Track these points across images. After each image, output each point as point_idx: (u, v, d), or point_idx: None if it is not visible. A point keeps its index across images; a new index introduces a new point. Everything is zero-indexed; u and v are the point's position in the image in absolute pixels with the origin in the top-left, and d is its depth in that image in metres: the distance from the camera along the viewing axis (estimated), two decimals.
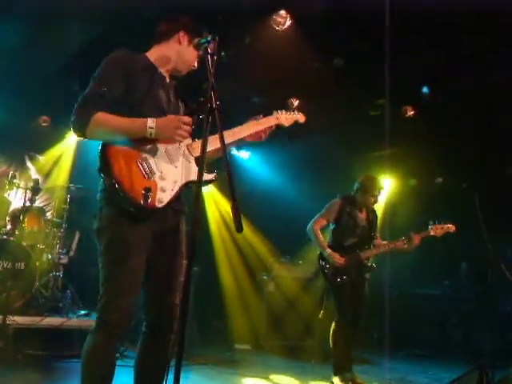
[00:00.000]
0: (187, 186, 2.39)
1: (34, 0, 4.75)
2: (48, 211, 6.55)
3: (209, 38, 2.25)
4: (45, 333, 4.59)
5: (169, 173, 2.33)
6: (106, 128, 2.21)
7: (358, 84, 6.21)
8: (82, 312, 5.49)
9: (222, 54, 5.32)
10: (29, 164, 7.40)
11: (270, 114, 2.80)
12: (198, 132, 2.25)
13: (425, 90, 6.15)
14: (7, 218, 5.57)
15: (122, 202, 2.17)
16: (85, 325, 4.80)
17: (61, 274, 5.78)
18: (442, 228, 4.56)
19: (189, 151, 2.44)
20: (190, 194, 2.30)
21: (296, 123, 2.95)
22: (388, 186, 8.13)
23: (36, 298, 5.33)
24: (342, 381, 4.42)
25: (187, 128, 2.30)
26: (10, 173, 5.77)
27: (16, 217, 5.49)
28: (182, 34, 2.52)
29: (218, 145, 2.24)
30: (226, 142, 2.15)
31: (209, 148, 2.19)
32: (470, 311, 7.32)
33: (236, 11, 4.92)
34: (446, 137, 6.70)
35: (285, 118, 2.86)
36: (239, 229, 1.90)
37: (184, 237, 2.46)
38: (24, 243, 5.33)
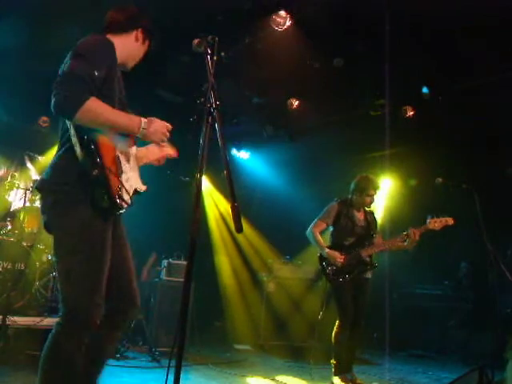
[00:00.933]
0: (135, 193, 2.39)
1: (34, 0, 4.76)
2: None
3: (209, 40, 2.25)
4: (45, 333, 4.57)
5: (130, 176, 2.35)
6: (102, 117, 2.08)
7: (358, 84, 6.22)
8: None
9: (222, 54, 5.32)
10: (29, 164, 7.41)
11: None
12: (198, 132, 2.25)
13: (425, 90, 6.15)
14: (7, 219, 5.57)
15: (103, 196, 2.11)
16: None
17: None
18: (441, 221, 4.51)
19: (136, 160, 2.48)
20: (190, 193, 2.30)
21: None
22: (388, 187, 8.13)
23: (36, 298, 5.33)
24: (342, 381, 4.42)
25: (168, 134, 2.34)
26: (10, 173, 5.78)
27: (16, 217, 5.50)
28: (140, 31, 2.50)
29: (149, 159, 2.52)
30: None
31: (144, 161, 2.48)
32: (469, 311, 7.32)
33: (236, 11, 4.92)
34: (445, 137, 6.70)
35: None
36: (239, 229, 1.90)
37: (125, 229, 2.48)
38: (24, 243, 5.34)
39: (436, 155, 7.02)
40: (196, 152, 2.12)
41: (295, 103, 6.88)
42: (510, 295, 6.06)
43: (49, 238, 5.90)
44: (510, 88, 5.48)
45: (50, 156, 7.57)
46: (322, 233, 4.69)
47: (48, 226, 2.27)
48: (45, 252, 5.77)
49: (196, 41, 2.46)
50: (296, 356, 6.08)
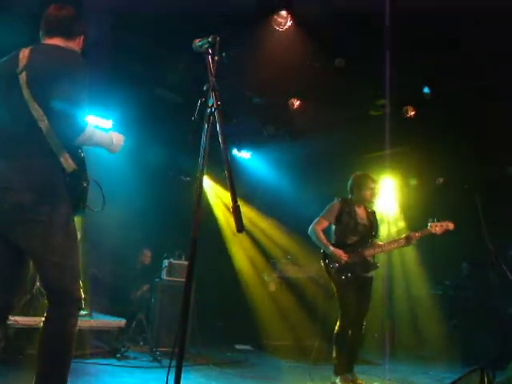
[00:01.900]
0: None
1: (34, 0, 4.75)
2: None
3: (210, 40, 2.25)
4: None
5: None
6: (95, 139, 2.41)
7: (358, 84, 6.21)
8: (83, 312, 5.48)
9: (223, 54, 5.32)
10: None
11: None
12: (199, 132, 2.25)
13: (425, 90, 6.14)
14: None
15: (84, 194, 2.45)
16: (85, 325, 4.80)
17: None
18: (442, 226, 4.53)
19: None
20: (190, 193, 2.30)
21: None
22: (387, 187, 8.14)
23: (36, 298, 5.32)
24: (342, 381, 4.41)
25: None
26: None
27: None
28: (82, 38, 2.54)
29: None
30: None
31: None
32: (470, 311, 7.31)
33: (236, 11, 4.91)
34: (446, 137, 6.69)
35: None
36: (240, 229, 1.90)
37: None
38: None
39: (436, 155, 7.02)
40: (197, 152, 2.13)
41: (296, 103, 6.87)
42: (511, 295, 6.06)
43: None
44: (510, 88, 5.48)
45: None
46: (323, 231, 4.68)
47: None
48: None
49: (197, 40, 2.45)
50: (297, 356, 6.08)
